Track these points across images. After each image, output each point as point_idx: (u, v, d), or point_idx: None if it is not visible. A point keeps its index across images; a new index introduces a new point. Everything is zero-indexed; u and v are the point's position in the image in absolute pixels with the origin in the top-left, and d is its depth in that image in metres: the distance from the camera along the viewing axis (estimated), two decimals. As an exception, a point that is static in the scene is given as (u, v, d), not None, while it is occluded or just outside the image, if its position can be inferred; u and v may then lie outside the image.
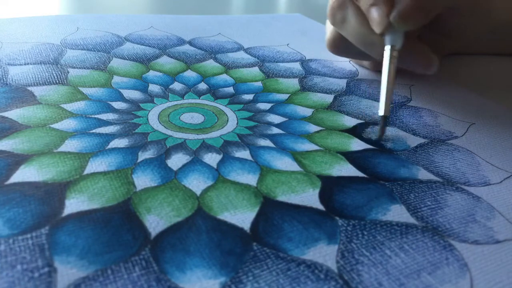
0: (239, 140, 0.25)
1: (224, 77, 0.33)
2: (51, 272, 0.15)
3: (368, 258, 0.18)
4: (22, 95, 0.27)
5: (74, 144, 0.23)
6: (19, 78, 0.29)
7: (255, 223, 0.19)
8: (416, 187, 0.22)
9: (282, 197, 0.20)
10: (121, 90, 0.29)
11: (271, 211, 0.20)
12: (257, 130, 0.26)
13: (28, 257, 0.16)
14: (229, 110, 0.28)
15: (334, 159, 0.24)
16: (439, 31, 0.33)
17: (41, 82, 0.29)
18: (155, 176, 0.21)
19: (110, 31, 0.39)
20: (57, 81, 0.29)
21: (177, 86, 0.31)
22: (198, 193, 0.20)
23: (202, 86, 0.31)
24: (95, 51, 0.35)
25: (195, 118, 0.27)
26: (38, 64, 0.31)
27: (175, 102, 0.28)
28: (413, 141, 0.27)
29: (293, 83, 0.33)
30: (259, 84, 0.32)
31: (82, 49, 0.35)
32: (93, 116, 0.26)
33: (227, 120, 0.27)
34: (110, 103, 0.27)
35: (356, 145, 0.26)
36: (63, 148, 0.22)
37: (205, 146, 0.24)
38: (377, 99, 0.31)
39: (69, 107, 0.26)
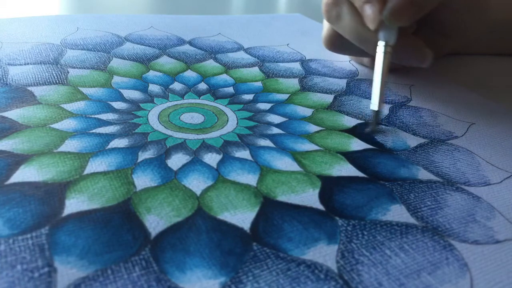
0: (239, 140, 0.25)
1: (224, 77, 0.33)
2: (51, 272, 0.15)
3: (368, 258, 0.18)
4: (22, 95, 0.27)
5: (74, 144, 0.23)
6: (19, 78, 0.29)
7: (255, 223, 0.19)
8: (416, 187, 0.22)
9: (282, 197, 0.20)
10: (121, 90, 0.29)
11: (271, 211, 0.20)
12: (257, 130, 0.26)
13: (28, 257, 0.16)
14: (229, 110, 0.28)
15: (334, 159, 0.24)
16: (438, 30, 0.33)
17: (41, 82, 0.29)
18: (155, 176, 0.21)
19: (110, 31, 0.39)
20: (57, 81, 0.29)
21: (177, 86, 0.31)
22: (198, 193, 0.20)
23: (202, 86, 0.31)
24: (95, 51, 0.35)
25: (195, 118, 0.27)
26: (38, 64, 0.31)
27: (175, 102, 0.28)
28: (413, 141, 0.27)
29: (293, 83, 0.33)
30: (259, 84, 0.32)
31: (82, 49, 0.35)
32: (93, 116, 0.26)
33: (227, 120, 0.27)
34: (110, 103, 0.27)
35: (356, 145, 0.26)
36: (63, 148, 0.22)
37: (205, 146, 0.24)
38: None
39: (69, 107, 0.26)
